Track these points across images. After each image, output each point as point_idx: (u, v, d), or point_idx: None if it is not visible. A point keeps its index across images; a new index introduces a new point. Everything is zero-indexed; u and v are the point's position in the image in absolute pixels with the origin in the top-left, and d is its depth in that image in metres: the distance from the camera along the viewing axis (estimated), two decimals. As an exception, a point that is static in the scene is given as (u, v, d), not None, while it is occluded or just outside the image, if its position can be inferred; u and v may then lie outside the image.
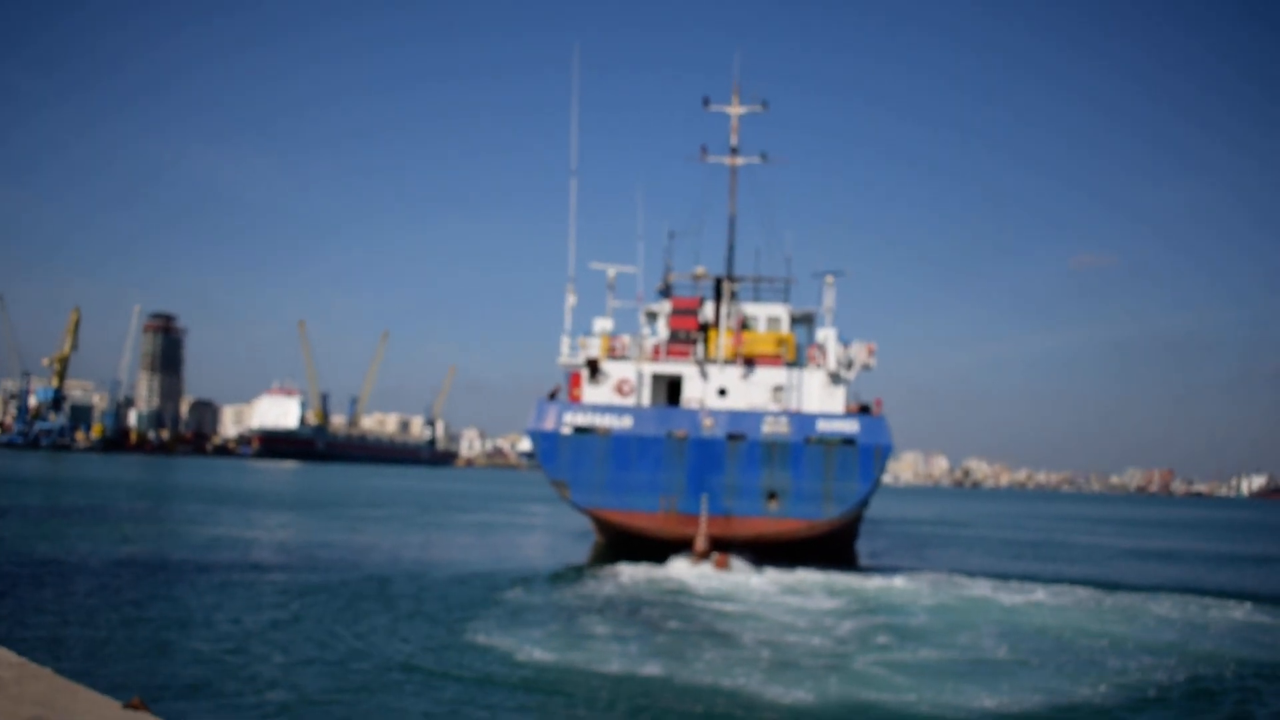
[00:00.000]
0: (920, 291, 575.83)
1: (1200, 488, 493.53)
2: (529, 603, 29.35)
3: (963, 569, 43.85)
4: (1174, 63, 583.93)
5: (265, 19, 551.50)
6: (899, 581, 37.00)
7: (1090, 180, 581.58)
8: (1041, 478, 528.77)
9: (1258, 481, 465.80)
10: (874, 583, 36.17)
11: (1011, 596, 34.03)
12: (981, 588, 36.22)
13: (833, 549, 42.95)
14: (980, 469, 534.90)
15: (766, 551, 40.03)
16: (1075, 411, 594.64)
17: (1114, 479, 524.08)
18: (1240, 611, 32.63)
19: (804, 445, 39.69)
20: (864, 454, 39.67)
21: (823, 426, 39.94)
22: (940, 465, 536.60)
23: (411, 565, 37.49)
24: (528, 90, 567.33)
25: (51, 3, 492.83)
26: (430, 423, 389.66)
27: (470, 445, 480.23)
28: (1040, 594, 34.73)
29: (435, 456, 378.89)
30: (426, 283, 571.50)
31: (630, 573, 36.22)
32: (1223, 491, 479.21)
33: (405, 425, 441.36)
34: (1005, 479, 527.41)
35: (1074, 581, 39.87)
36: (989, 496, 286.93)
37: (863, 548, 55.54)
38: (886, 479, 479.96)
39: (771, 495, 39.88)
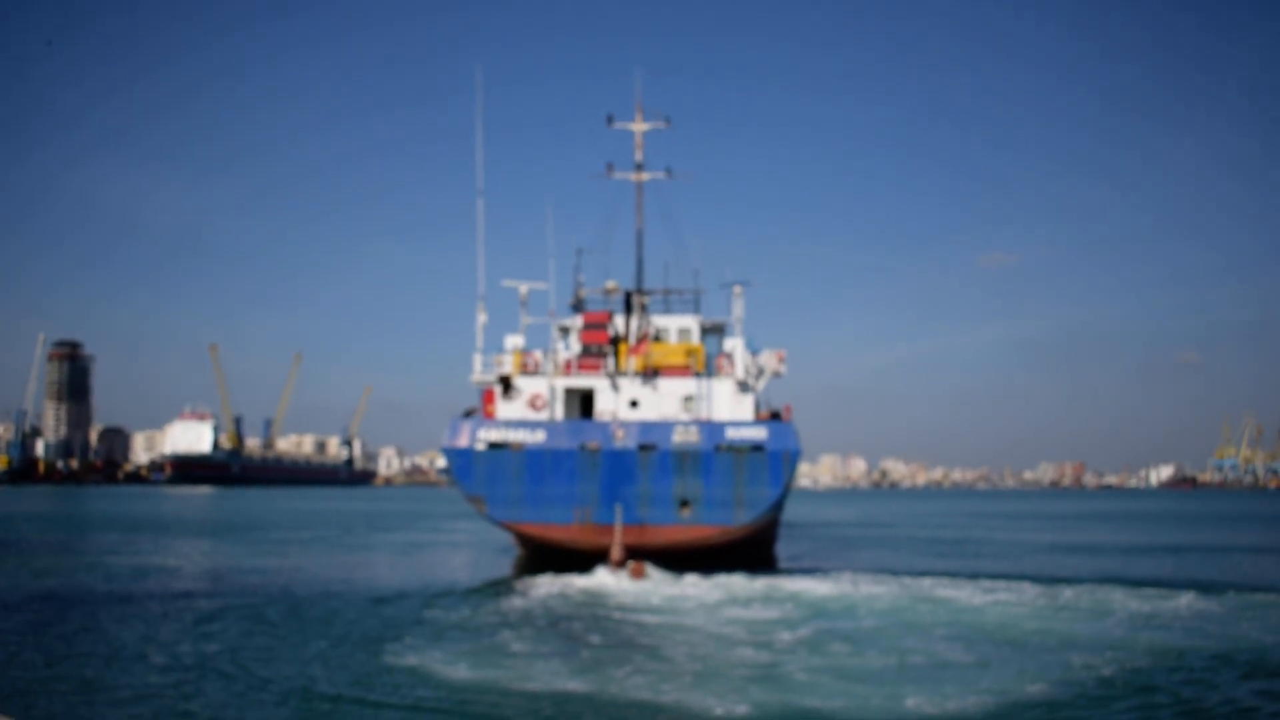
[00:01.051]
0: (832, 293, 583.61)
1: (1111, 480, 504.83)
2: (449, 620, 29.20)
3: (886, 568, 44.54)
4: (1081, 59, 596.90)
5: (171, 45, 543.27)
6: (818, 583, 37.50)
7: (997, 178, 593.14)
8: (957, 475, 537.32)
9: (1165, 472, 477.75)
10: (794, 585, 36.60)
11: (940, 593, 34.65)
12: (906, 586, 36.83)
13: (749, 553, 43.53)
14: (898, 469, 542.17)
15: (681, 558, 40.55)
16: (987, 409, 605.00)
17: (1028, 474, 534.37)
18: (1175, 601, 33.36)
19: (714, 453, 40.40)
20: (773, 460, 40.45)
21: (731, 434, 40.69)
22: (858, 467, 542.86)
23: (335, 587, 37.22)
24: (436, 113, 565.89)
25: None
26: (347, 442, 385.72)
27: (389, 464, 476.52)
28: (969, 591, 35.34)
29: (353, 476, 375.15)
30: (339, 304, 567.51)
31: (550, 585, 36.43)
32: (1132, 483, 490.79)
33: (322, 446, 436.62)
34: (922, 478, 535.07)
35: (998, 577, 40.68)
36: (907, 496, 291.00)
37: (783, 551, 56.13)
38: (805, 482, 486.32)
39: (684, 503, 40.49)
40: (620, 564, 38.87)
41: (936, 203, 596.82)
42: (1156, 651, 24.24)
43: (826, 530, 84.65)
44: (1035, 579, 39.80)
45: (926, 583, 37.98)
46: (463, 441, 41.48)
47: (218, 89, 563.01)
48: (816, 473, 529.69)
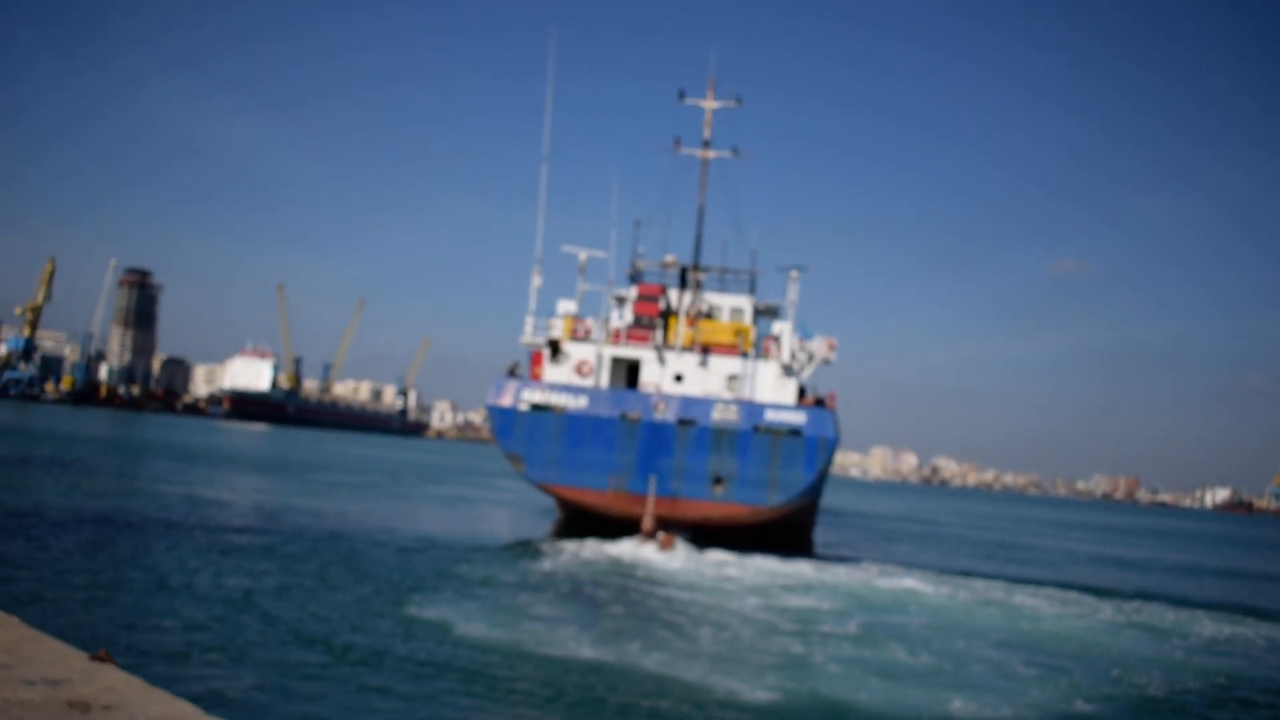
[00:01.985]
0: (898, 289, 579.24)
1: (1165, 497, 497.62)
2: (477, 576, 29.44)
3: (923, 564, 44.37)
4: (1162, 71, 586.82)
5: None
6: (851, 571, 37.65)
7: (1073, 185, 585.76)
8: (1008, 479, 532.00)
9: (1221, 494, 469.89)
10: (826, 572, 36.71)
11: (969, 594, 34.39)
12: (937, 582, 36.76)
13: (783, 536, 43.79)
14: (948, 467, 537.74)
15: (712, 534, 41.00)
16: (1046, 415, 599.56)
17: (1080, 484, 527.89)
18: (1215, 624, 33.00)
19: (751, 433, 40.60)
20: (809, 445, 40.51)
21: (770, 416, 40.85)
22: (909, 462, 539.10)
23: (375, 535, 37.73)
24: (514, 77, 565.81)
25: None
26: (403, 392, 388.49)
27: (442, 417, 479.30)
28: (1008, 594, 35.16)
29: (406, 427, 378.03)
30: (406, 253, 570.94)
31: (580, 550, 36.86)
32: (1186, 503, 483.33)
33: (378, 394, 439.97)
34: (973, 479, 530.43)
35: (1047, 584, 40.51)
36: (956, 495, 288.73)
37: (822, 537, 56.14)
38: (855, 473, 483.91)
39: (718, 480, 40.81)
40: (650, 535, 39.36)
41: (1009, 206, 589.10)
42: (1210, 675, 23.89)
43: (870, 522, 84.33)
44: (1086, 589, 39.55)
45: (960, 581, 37.86)
46: (506, 400, 41.98)
47: (299, 29, 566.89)
48: (867, 463, 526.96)
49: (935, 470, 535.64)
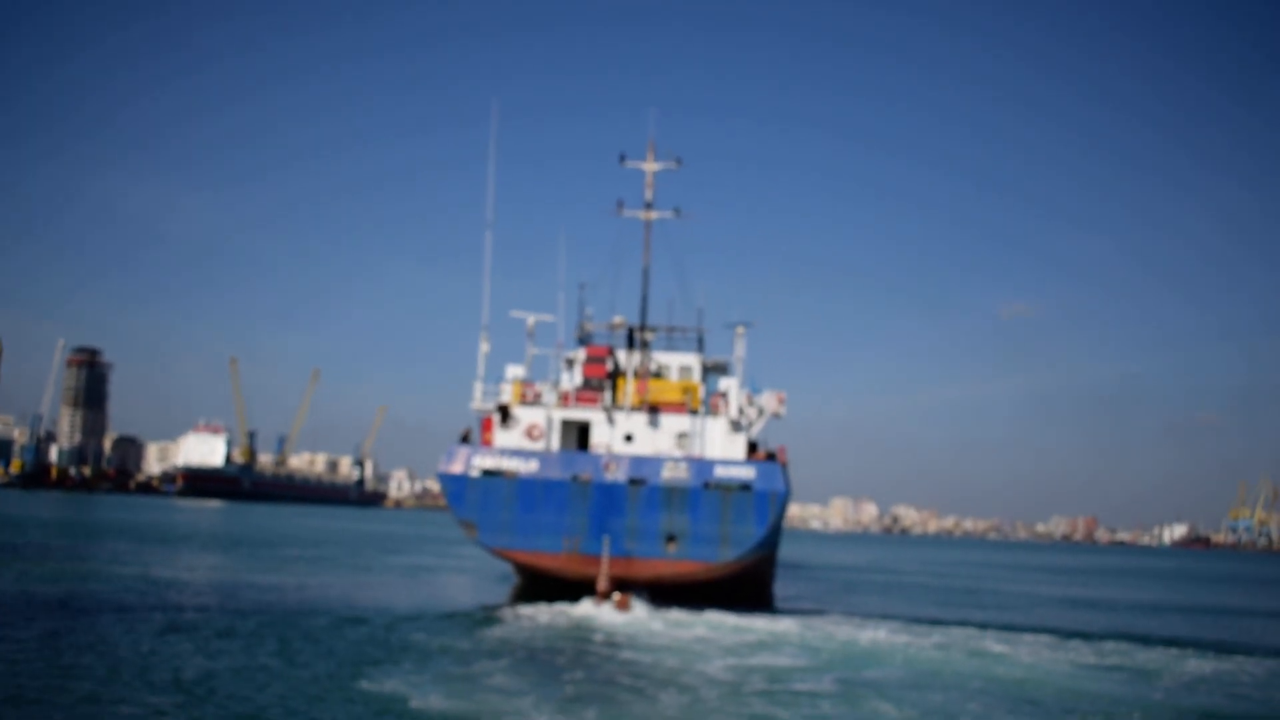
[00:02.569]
0: (852, 339, 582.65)
1: (1123, 536, 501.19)
2: (433, 646, 29.23)
3: (894, 614, 44.44)
4: (1107, 108, 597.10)
5: (195, 56, 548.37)
6: (810, 624, 37.60)
7: (1021, 228, 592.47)
8: (969, 525, 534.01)
9: (1179, 531, 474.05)
10: (783, 625, 36.72)
11: (942, 643, 34.39)
12: (911, 634, 36.74)
13: (740, 591, 43.92)
14: (909, 515, 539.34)
15: (668, 593, 41.09)
16: (1003, 460, 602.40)
17: (1039, 527, 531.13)
18: (1189, 661, 33.24)
19: (702, 490, 40.90)
20: (759, 499, 40.82)
21: (720, 472, 41.21)
22: (869, 511, 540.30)
23: (331, 607, 37.39)
24: (456, 140, 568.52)
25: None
26: (359, 463, 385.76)
27: (399, 486, 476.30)
28: (980, 641, 35.26)
29: (364, 497, 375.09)
30: (358, 322, 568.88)
31: (537, 614, 36.92)
32: (1145, 540, 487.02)
33: (334, 465, 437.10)
34: (933, 526, 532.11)
35: (1014, 628, 40.70)
36: (917, 543, 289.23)
37: (782, 590, 56.20)
38: (815, 524, 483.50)
39: (670, 538, 41.01)
40: (606, 595, 39.39)
41: (958, 252, 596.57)
42: (1194, 715, 24.05)
43: (832, 573, 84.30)
44: (1058, 631, 39.87)
45: (930, 630, 37.92)
46: (458, 467, 42.24)
47: (241, 103, 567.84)
48: (827, 515, 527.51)
49: (896, 519, 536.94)
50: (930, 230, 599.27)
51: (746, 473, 41.18)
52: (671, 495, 40.85)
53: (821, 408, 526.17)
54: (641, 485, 41.04)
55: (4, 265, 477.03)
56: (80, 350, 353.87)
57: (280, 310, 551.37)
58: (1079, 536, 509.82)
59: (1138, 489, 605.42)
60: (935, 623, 41.39)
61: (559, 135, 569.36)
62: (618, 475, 41.21)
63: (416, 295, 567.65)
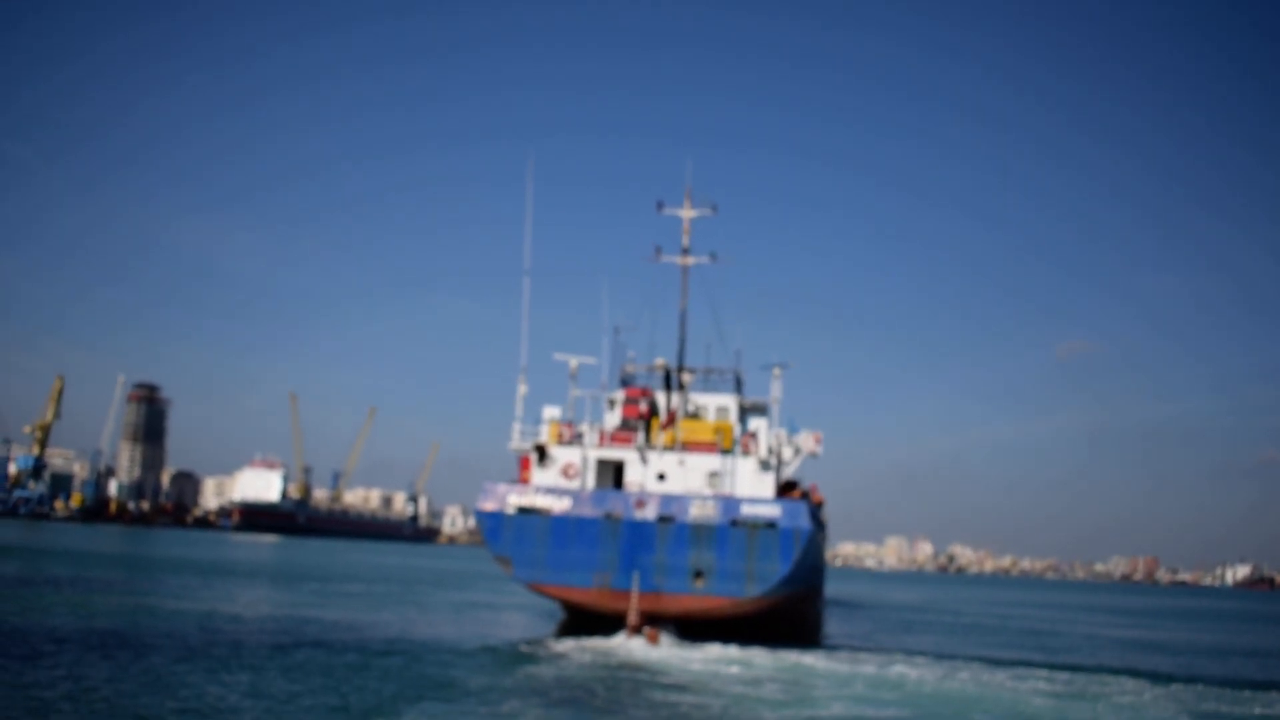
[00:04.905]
0: (908, 377, 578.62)
1: (1185, 576, 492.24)
2: (471, 684, 29.57)
3: (936, 651, 43.96)
4: (1175, 147, 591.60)
5: (250, 91, 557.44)
6: (844, 662, 38.11)
7: (1079, 265, 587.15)
8: (1026, 564, 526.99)
9: (1242, 571, 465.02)
10: (818, 662, 37.35)
11: (989, 680, 33.96)
12: (945, 669, 36.69)
13: (776, 627, 44.49)
14: (965, 555, 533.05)
15: (696, 627, 42.07)
16: (1060, 498, 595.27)
17: (1098, 566, 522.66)
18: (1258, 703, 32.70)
19: (729, 528, 41.62)
20: (784, 537, 41.40)
21: (747, 510, 41.89)
22: (925, 550, 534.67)
23: (382, 643, 37.94)
24: (505, 185, 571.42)
25: (39, 70, 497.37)
26: (413, 499, 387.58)
27: (453, 522, 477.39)
28: (1066, 684, 34.94)
29: (417, 533, 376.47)
30: (413, 360, 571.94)
31: (572, 648, 37.99)
32: (1207, 581, 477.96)
33: (388, 501, 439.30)
34: (990, 565, 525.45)
35: (1065, 668, 40.23)
36: (973, 582, 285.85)
37: (837, 629, 56.56)
38: (870, 563, 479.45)
39: (698, 574, 41.81)
40: (636, 629, 40.44)
41: (1018, 290, 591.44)
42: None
43: (890, 612, 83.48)
44: (1144, 675, 39.62)
45: (968, 668, 37.75)
46: (494, 505, 43.51)
47: (308, 147, 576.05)
48: (882, 554, 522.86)
49: (951, 558, 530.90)
50: (988, 266, 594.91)
51: (772, 511, 41.83)
52: (699, 533, 41.68)
53: (877, 447, 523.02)
54: (670, 523, 41.93)
55: (69, 304, 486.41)
56: (140, 386, 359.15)
57: (336, 348, 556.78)
58: (1139, 576, 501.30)
59: (1200, 529, 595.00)
60: (1009, 663, 41.10)
61: (601, 179, 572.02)
62: (648, 513, 42.13)
63: (471, 332, 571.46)
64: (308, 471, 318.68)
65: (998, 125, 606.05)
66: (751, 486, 44.63)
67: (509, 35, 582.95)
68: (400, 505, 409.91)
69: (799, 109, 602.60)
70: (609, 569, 41.98)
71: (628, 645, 38.74)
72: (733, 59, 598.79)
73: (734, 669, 34.31)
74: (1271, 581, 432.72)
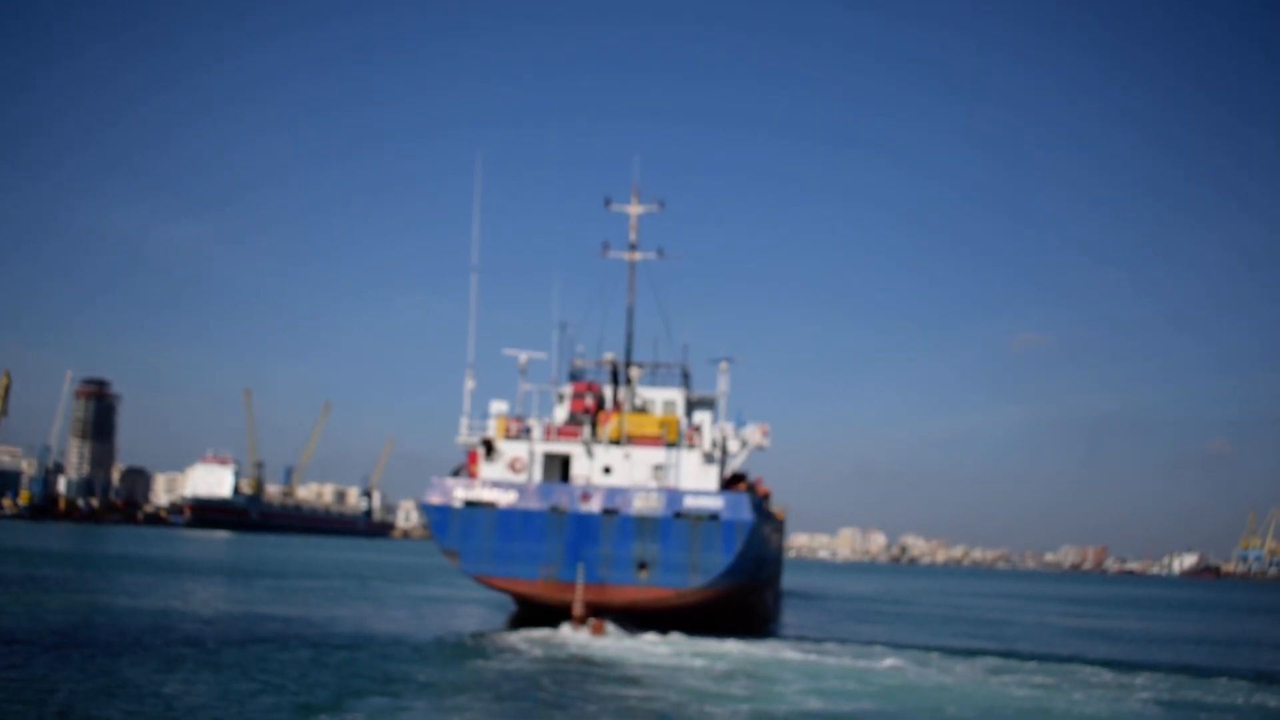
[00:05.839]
0: (860, 370, 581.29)
1: (1133, 566, 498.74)
2: (419, 678, 29.83)
3: (899, 643, 44.58)
4: (1118, 137, 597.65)
5: (208, 94, 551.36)
6: (789, 649, 39.22)
7: (1032, 259, 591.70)
8: (977, 554, 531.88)
9: (1189, 560, 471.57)
10: (757, 650, 38.12)
11: (937, 671, 34.51)
12: (891, 659, 37.46)
13: (722, 617, 45.31)
14: (917, 545, 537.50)
15: (641, 618, 42.83)
16: (1012, 489, 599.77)
17: (1049, 556, 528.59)
18: (1216, 690, 33.53)
19: (672, 520, 42.42)
20: (726, 528, 42.20)
21: (689, 503, 42.67)
22: (878, 541, 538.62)
23: (332, 638, 38.15)
24: (455, 178, 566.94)
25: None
26: (367, 494, 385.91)
27: (407, 517, 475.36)
28: (985, 670, 35.54)
29: (371, 528, 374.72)
30: (365, 354, 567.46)
31: (518, 640, 38.61)
32: (1155, 570, 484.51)
33: (341, 496, 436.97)
34: (942, 556, 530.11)
35: (1026, 657, 41.12)
36: (925, 573, 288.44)
37: (790, 619, 57.51)
38: (824, 554, 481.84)
39: (642, 565, 42.58)
40: (582, 621, 41.31)
41: (965, 282, 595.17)
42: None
43: (844, 603, 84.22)
44: (1096, 662, 40.51)
45: (923, 657, 38.49)
46: (440, 499, 44.04)
47: (218, 119, 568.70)
48: (835, 545, 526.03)
49: (904, 549, 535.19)
50: (937, 259, 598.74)
51: (715, 503, 42.56)
52: (643, 525, 42.38)
53: (830, 438, 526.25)
54: (615, 515, 42.61)
55: (14, 299, 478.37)
56: (89, 382, 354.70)
57: (286, 341, 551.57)
58: (1088, 566, 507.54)
59: (1148, 519, 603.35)
60: (968, 653, 41.86)
61: (548, 177, 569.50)
62: (592, 506, 42.83)
63: (426, 327, 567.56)
64: (260, 466, 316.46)
65: (949, 119, 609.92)
66: (696, 479, 45.26)
67: (450, 29, 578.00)
68: (354, 500, 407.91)
69: (750, 81, 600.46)
70: (554, 561, 42.72)
71: (573, 636, 39.64)
72: (680, 32, 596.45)
73: (682, 660, 34.85)
74: (1217, 571, 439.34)
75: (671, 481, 45.08)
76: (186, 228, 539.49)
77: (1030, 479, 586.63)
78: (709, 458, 45.81)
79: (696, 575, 42.09)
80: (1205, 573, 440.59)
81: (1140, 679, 35.93)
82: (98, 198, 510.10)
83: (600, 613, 41.87)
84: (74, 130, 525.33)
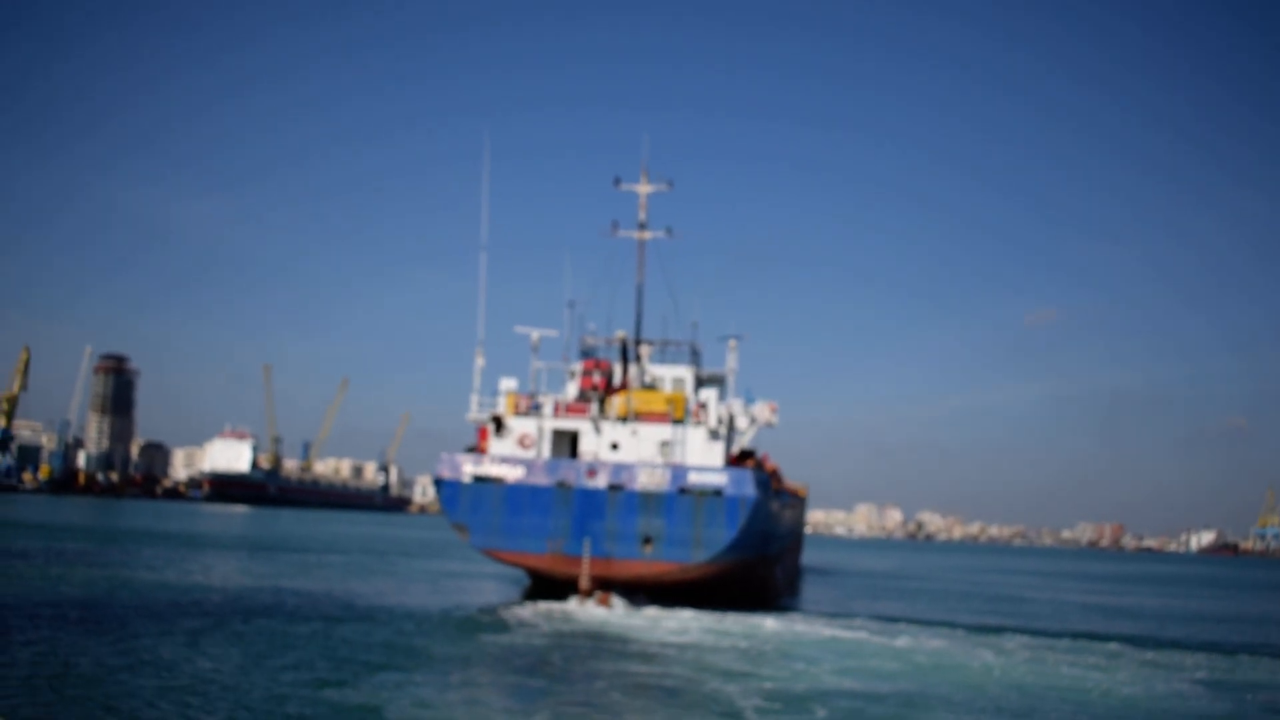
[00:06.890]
0: (878, 346, 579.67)
1: (1150, 543, 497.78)
2: (434, 651, 30.17)
3: (915, 618, 44.74)
4: (1132, 117, 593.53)
5: (231, 78, 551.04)
6: (795, 623, 39.79)
7: (1047, 235, 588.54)
8: (994, 531, 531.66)
9: (1207, 537, 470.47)
10: (756, 622, 38.65)
11: (971, 646, 34.46)
12: (907, 638, 37.41)
13: (729, 591, 45.97)
14: (933, 522, 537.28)
15: (646, 591, 43.88)
16: (1028, 466, 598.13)
17: (1065, 533, 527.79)
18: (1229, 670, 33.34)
19: (676, 495, 42.99)
20: (730, 504, 42.75)
21: (694, 479, 43.22)
22: (894, 518, 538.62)
23: (347, 611, 38.59)
24: (479, 163, 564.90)
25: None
26: (384, 469, 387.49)
27: (424, 492, 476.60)
28: (1032, 651, 35.57)
29: (388, 503, 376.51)
30: (384, 330, 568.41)
31: (527, 612, 39.66)
32: (1172, 547, 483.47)
33: (359, 471, 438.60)
34: (958, 532, 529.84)
35: (1040, 634, 41.16)
36: (942, 549, 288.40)
37: (807, 594, 57.50)
38: (840, 530, 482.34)
39: (647, 540, 43.21)
40: (588, 593, 42.49)
41: (982, 258, 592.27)
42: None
43: (862, 580, 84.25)
44: (1122, 639, 40.62)
45: (937, 633, 38.68)
46: (450, 474, 44.71)
47: (240, 101, 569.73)
48: (851, 521, 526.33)
49: (920, 525, 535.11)
50: (949, 238, 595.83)
51: (719, 479, 43.09)
52: (648, 500, 43.00)
53: (845, 415, 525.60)
54: (620, 491, 43.23)
55: (35, 274, 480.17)
56: (108, 357, 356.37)
57: (303, 318, 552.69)
58: (1105, 543, 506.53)
59: (1165, 495, 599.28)
60: (984, 630, 41.94)
61: (560, 154, 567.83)
62: (599, 481, 43.45)
63: (441, 303, 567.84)
64: (278, 441, 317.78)
65: (961, 103, 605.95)
66: (702, 455, 45.79)
67: (465, 18, 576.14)
68: (371, 475, 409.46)
69: (760, 67, 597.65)
70: (561, 535, 43.44)
71: (580, 608, 40.77)
72: (690, 19, 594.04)
73: (688, 635, 35.23)
74: (1235, 547, 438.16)
75: (677, 458, 45.59)
76: (206, 205, 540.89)
77: (1047, 456, 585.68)
78: (714, 434, 46.33)
79: (700, 550, 42.72)
80: (1223, 550, 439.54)
81: (1154, 655, 35.96)
82: (118, 174, 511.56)
83: (606, 586, 42.90)
84: (97, 108, 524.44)
